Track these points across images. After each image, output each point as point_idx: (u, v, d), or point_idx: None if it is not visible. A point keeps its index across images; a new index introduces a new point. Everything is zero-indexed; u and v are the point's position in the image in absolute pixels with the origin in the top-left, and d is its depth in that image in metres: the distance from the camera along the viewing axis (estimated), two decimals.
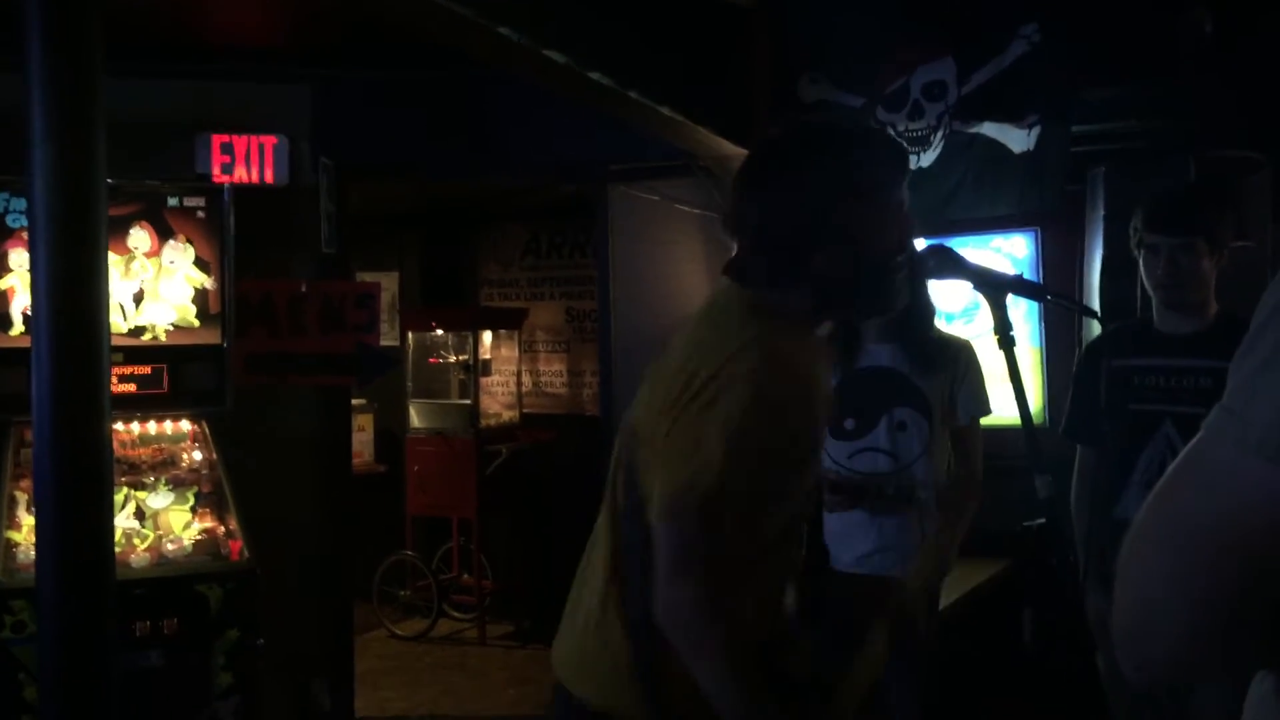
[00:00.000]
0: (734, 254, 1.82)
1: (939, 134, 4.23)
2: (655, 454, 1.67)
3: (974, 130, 4.18)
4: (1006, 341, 1.82)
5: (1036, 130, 4.06)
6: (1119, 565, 0.93)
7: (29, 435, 3.40)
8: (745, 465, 1.59)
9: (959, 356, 3.22)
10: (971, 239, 4.48)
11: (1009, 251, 4.65)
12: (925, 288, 3.12)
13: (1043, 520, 1.88)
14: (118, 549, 3.44)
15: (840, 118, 4.26)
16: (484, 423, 6.82)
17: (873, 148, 1.83)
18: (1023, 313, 4.46)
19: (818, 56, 4.46)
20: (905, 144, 4.29)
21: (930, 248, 1.90)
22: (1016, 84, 4.09)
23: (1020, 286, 1.89)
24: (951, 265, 1.90)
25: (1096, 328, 3.60)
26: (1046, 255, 4.61)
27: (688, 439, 1.62)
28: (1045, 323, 4.60)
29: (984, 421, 3.21)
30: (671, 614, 1.63)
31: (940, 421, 3.18)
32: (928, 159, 4.24)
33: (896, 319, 2.98)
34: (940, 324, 3.47)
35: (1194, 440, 0.88)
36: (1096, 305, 4.05)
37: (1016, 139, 4.11)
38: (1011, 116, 4.10)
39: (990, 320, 1.86)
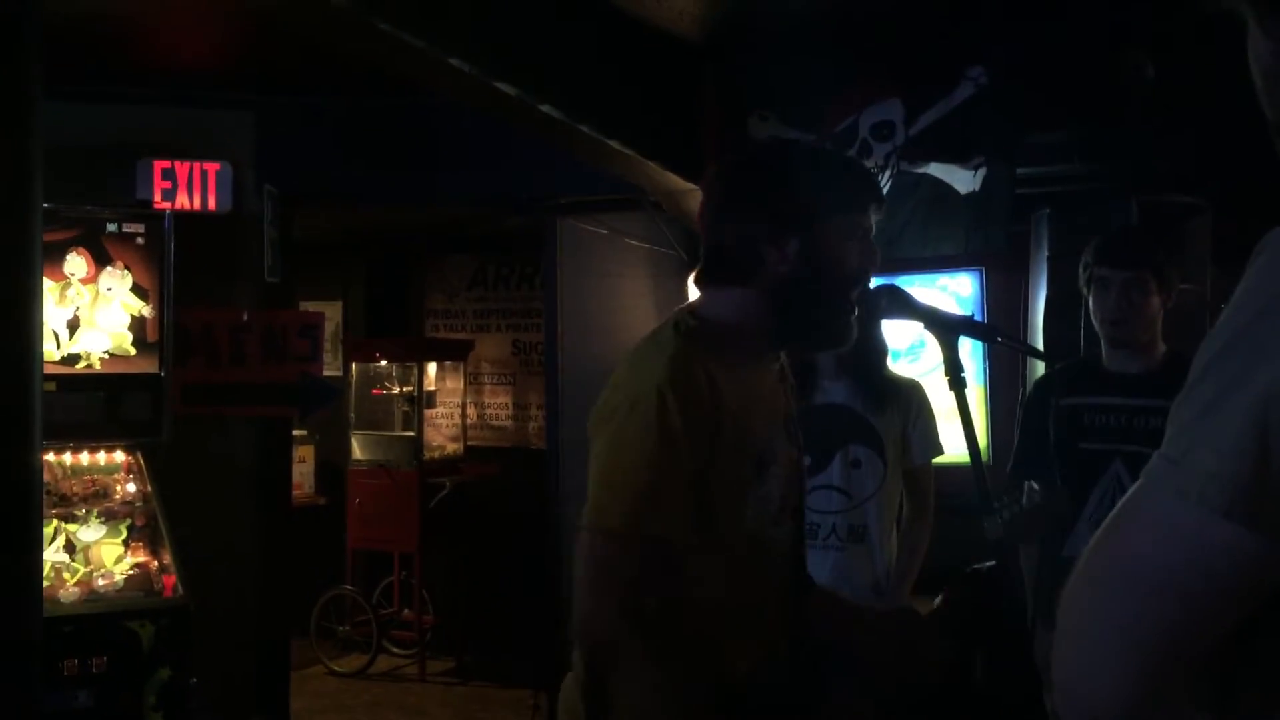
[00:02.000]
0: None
1: (886, 174, 4.26)
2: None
3: (921, 170, 4.22)
4: (957, 382, 1.81)
5: (982, 171, 4.10)
6: (1058, 615, 0.93)
7: None
8: (650, 486, 1.60)
9: (911, 396, 3.25)
10: (918, 278, 4.52)
11: (955, 290, 4.70)
12: (878, 326, 3.14)
13: (992, 562, 1.87)
14: (46, 583, 3.33)
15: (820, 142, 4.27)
16: (427, 455, 6.75)
17: (841, 168, 1.90)
18: (967, 351, 4.50)
19: (766, 94, 4.48)
20: None
21: (881, 287, 1.90)
22: (963, 126, 4.13)
23: (971, 328, 1.89)
24: (902, 305, 1.90)
25: (1041, 368, 3.64)
26: (991, 294, 4.67)
27: (599, 457, 1.65)
28: (989, 361, 4.66)
29: (934, 461, 3.23)
30: (588, 626, 1.61)
31: (893, 460, 3.20)
32: None
33: (851, 356, 3.00)
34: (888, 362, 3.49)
35: (1134, 488, 0.89)
36: (1040, 344, 4.10)
37: (962, 180, 4.15)
38: (958, 157, 4.14)
39: (940, 360, 1.86)
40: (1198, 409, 0.84)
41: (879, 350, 3.25)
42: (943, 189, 4.18)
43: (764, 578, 1.76)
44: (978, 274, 4.68)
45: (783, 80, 4.38)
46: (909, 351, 4.59)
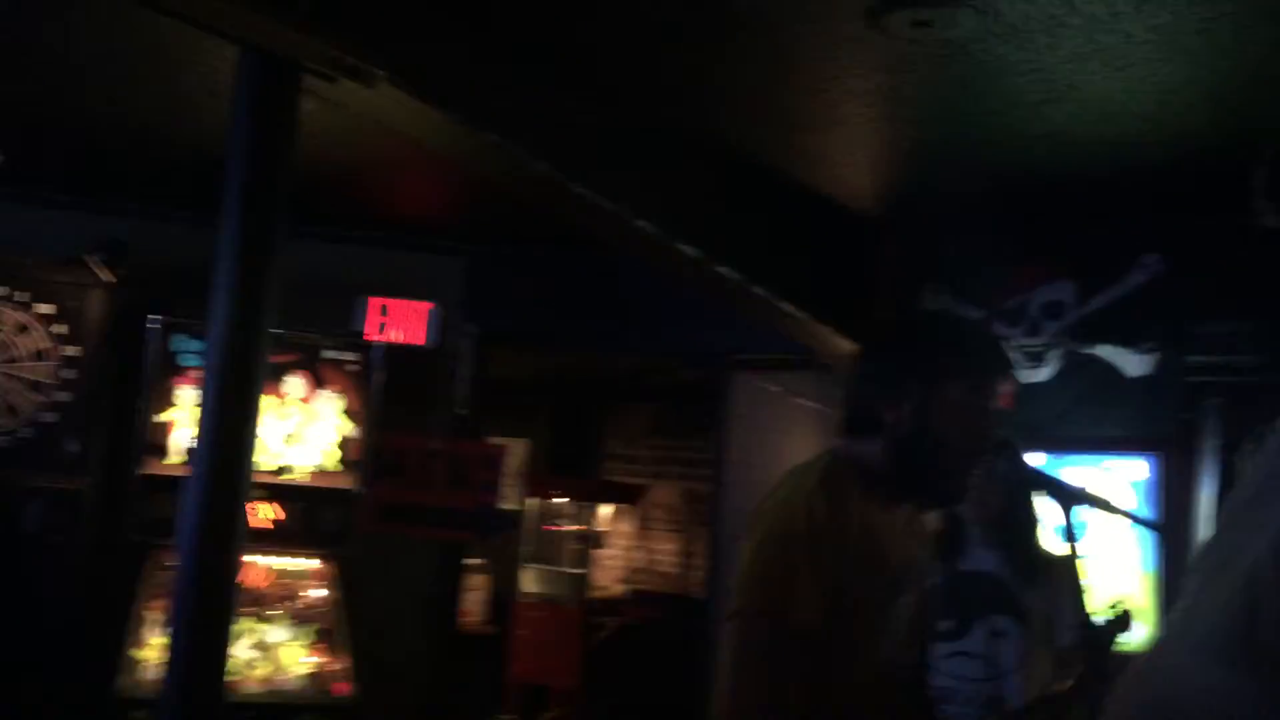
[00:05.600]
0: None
1: (1055, 352, 4.33)
2: None
3: (1090, 351, 4.27)
4: (1070, 548, 1.93)
5: (1152, 357, 4.13)
6: None
7: (165, 559, 3.70)
8: (790, 574, 1.76)
9: (1064, 574, 3.24)
10: (1083, 458, 4.50)
11: (1122, 473, 4.64)
12: (1030, 499, 3.18)
13: None
14: (235, 675, 3.65)
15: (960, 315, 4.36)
16: (593, 594, 6.93)
17: (961, 335, 2.06)
18: (1135, 538, 4.41)
19: (939, 268, 4.63)
20: (1022, 358, 4.38)
21: (999, 445, 1.99)
22: (1135, 311, 4.18)
23: (1086, 498, 1.99)
24: (1020, 468, 2.03)
25: None
26: (1166, 479, 4.58)
27: (745, 552, 1.84)
28: (1162, 549, 4.54)
29: None
30: (728, 701, 1.77)
31: (1039, 639, 3.18)
32: (1042, 375, 4.33)
33: (1001, 526, 3.08)
34: (1044, 538, 3.50)
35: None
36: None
37: (1132, 363, 4.17)
38: (1128, 341, 4.18)
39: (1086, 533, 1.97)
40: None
41: (1030, 522, 3.27)
42: (1111, 371, 4.22)
43: (890, 692, 1.89)
44: (1153, 459, 4.62)
45: (955, 256, 4.54)
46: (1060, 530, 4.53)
